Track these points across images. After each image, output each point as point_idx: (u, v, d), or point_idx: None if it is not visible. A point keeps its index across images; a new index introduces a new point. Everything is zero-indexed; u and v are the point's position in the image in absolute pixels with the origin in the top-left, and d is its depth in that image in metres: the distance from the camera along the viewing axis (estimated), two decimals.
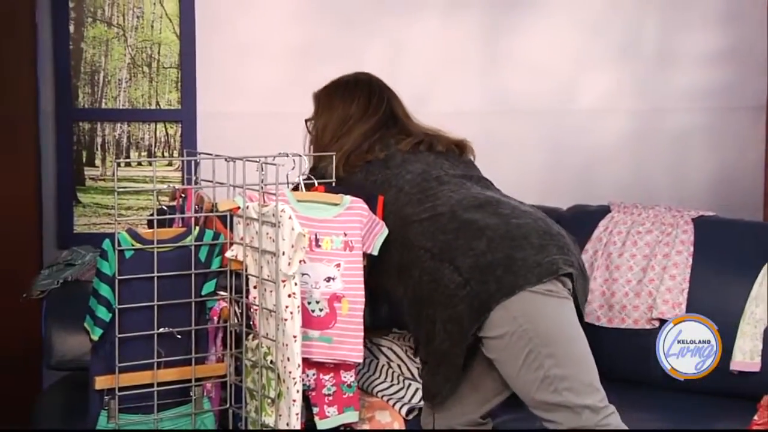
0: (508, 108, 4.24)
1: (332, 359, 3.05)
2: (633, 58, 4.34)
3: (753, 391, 3.23)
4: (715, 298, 3.41)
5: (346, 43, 4.19)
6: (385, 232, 3.18)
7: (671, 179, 4.37)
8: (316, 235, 3.06)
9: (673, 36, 4.37)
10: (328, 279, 3.06)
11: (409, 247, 3.02)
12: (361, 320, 3.08)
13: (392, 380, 3.34)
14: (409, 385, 3.30)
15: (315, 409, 3.07)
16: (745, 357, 3.33)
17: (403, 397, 3.27)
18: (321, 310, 3.04)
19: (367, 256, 3.16)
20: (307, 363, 3.00)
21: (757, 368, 3.34)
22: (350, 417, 3.09)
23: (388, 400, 3.26)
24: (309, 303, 3.03)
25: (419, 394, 3.25)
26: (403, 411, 3.22)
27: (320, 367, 3.07)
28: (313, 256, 3.03)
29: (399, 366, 3.40)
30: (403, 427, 3.20)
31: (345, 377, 3.09)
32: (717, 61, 4.37)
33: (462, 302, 2.85)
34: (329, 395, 3.08)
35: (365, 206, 3.16)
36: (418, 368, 3.37)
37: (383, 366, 3.39)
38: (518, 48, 4.25)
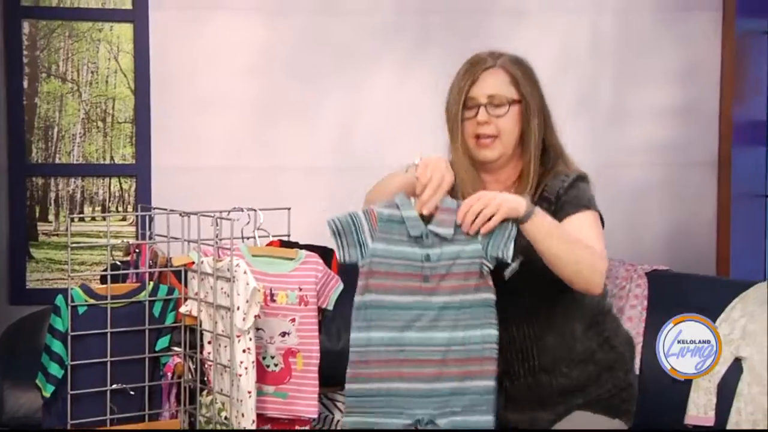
0: None
1: (287, 415, 3.05)
2: (588, 113, 4.41)
3: None
4: None
5: (302, 98, 4.24)
6: (340, 286, 3.19)
7: (626, 234, 4.42)
8: (271, 290, 3.06)
9: (628, 92, 4.44)
10: (283, 334, 3.06)
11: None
12: (317, 375, 3.09)
13: None
14: None
15: None
16: (699, 411, 3.38)
17: None
18: (276, 365, 3.05)
19: (321, 311, 3.19)
20: (262, 418, 2.99)
21: (711, 422, 3.39)
22: None
23: None
24: (264, 358, 3.04)
25: None
26: None
27: (275, 422, 3.06)
28: (268, 311, 3.04)
29: None
30: None
31: None
32: (671, 117, 4.45)
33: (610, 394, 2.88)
34: None
35: (320, 261, 3.16)
36: None
37: (338, 421, 3.39)
38: None
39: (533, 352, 2.86)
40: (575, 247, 2.69)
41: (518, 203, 2.62)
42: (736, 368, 3.48)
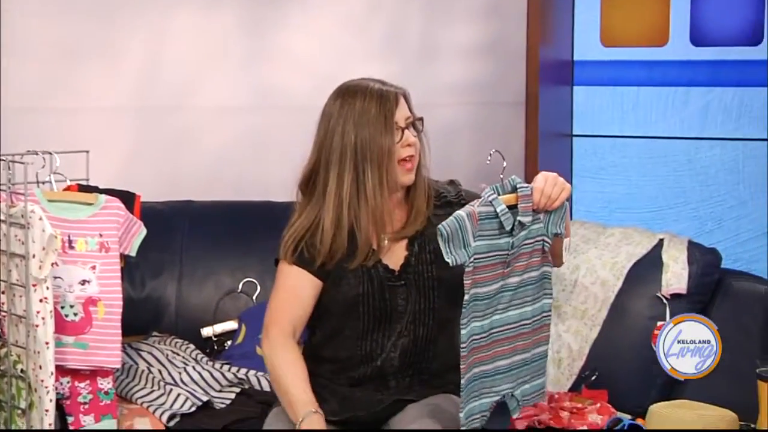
0: (272, 104, 4.26)
1: (88, 366, 3.03)
2: (396, 53, 4.41)
3: None
4: None
5: (104, 38, 4.12)
6: (144, 232, 3.19)
7: (436, 175, 4.45)
8: (69, 237, 3.03)
9: (437, 31, 4.46)
10: (83, 282, 3.04)
11: None
12: (119, 324, 3.08)
13: (152, 386, 3.31)
14: (171, 390, 3.28)
15: (70, 419, 3.03)
16: None
17: (163, 403, 3.24)
18: (75, 314, 3.02)
19: (124, 258, 3.15)
20: (61, 370, 2.96)
21: None
22: (108, 425, 3.07)
23: (148, 407, 3.22)
24: (62, 307, 3.00)
25: (181, 399, 3.25)
26: (164, 418, 3.18)
27: (75, 374, 3.04)
28: (67, 259, 3.01)
29: (160, 371, 3.38)
30: None
31: (102, 384, 3.07)
32: (478, 56, 4.49)
33: None
34: (85, 403, 3.05)
35: (122, 206, 3.15)
36: (179, 373, 3.36)
37: (143, 371, 3.36)
38: (281, 43, 4.28)
39: (429, 354, 2.95)
40: None
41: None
42: None
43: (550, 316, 2.84)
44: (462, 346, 2.67)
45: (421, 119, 2.99)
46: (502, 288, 2.74)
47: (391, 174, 2.90)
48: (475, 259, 2.68)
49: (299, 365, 2.85)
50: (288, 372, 2.84)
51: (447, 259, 2.65)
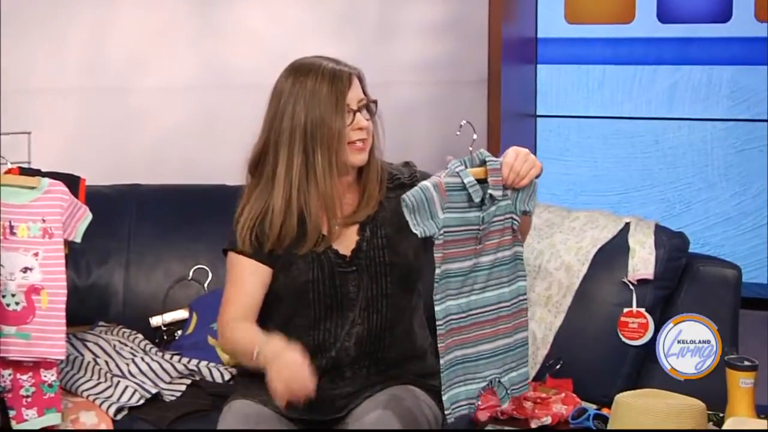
0: (222, 82, 4.23)
1: (31, 357, 3.00)
2: (354, 30, 4.39)
3: None
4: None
5: (47, 15, 4.07)
6: (89, 217, 3.17)
7: (394, 156, 4.42)
8: (10, 222, 3.01)
9: (395, 7, 4.45)
10: (25, 269, 3.02)
11: None
12: (63, 314, 3.04)
13: (99, 378, 3.28)
14: (118, 382, 3.25)
15: (11, 413, 3.00)
16: None
17: (111, 395, 3.22)
18: (17, 303, 3.00)
19: (68, 244, 3.12)
20: (2, 362, 2.95)
21: None
22: (52, 419, 3.04)
23: (94, 400, 3.20)
24: (3, 296, 2.98)
25: (128, 392, 3.22)
26: (111, 411, 3.16)
27: (17, 366, 3.01)
28: (8, 245, 2.99)
29: (107, 362, 3.35)
30: (111, 428, 3.14)
31: (45, 376, 3.04)
32: (439, 34, 4.48)
33: None
34: (28, 396, 3.02)
35: (66, 189, 3.13)
36: (127, 364, 3.34)
37: (89, 363, 3.33)
38: (231, 19, 4.25)
39: (385, 343, 2.94)
40: None
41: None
42: None
43: (526, 299, 2.84)
44: (438, 324, 2.66)
45: (375, 102, 2.95)
46: (475, 266, 2.72)
47: (340, 157, 2.87)
48: (445, 232, 2.66)
49: (254, 328, 2.85)
50: (242, 331, 2.84)
51: (415, 231, 2.64)
